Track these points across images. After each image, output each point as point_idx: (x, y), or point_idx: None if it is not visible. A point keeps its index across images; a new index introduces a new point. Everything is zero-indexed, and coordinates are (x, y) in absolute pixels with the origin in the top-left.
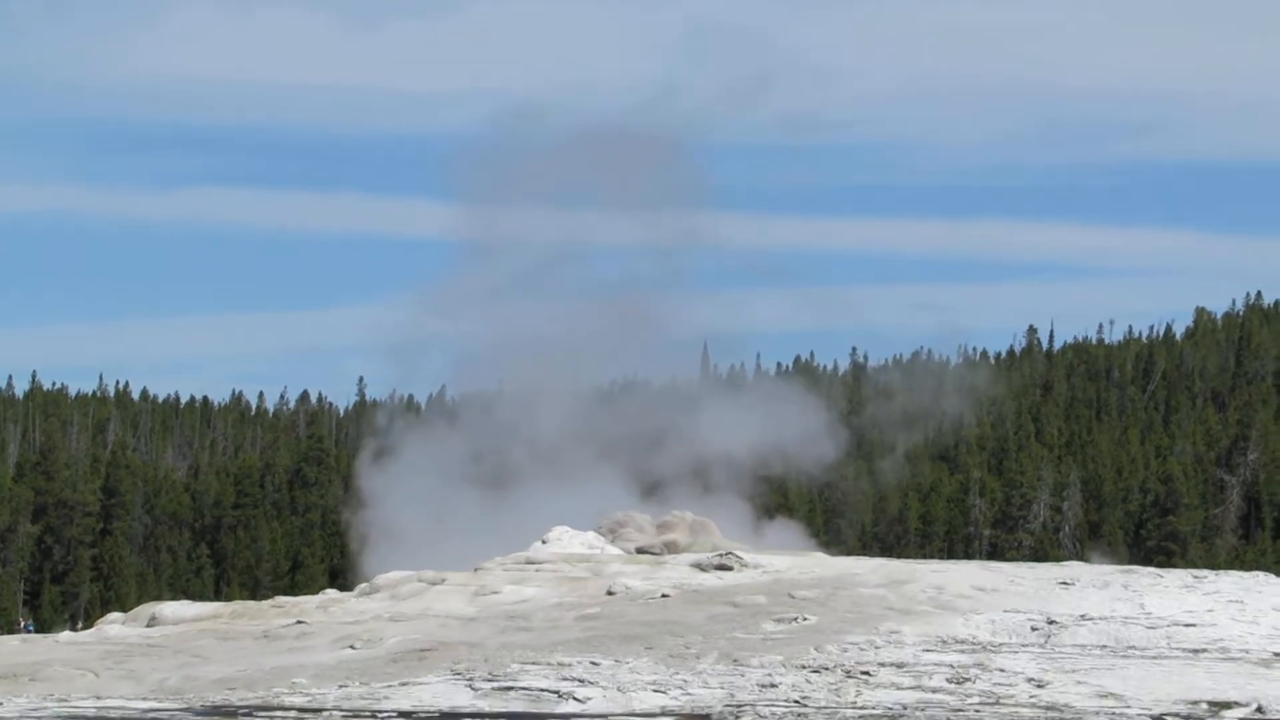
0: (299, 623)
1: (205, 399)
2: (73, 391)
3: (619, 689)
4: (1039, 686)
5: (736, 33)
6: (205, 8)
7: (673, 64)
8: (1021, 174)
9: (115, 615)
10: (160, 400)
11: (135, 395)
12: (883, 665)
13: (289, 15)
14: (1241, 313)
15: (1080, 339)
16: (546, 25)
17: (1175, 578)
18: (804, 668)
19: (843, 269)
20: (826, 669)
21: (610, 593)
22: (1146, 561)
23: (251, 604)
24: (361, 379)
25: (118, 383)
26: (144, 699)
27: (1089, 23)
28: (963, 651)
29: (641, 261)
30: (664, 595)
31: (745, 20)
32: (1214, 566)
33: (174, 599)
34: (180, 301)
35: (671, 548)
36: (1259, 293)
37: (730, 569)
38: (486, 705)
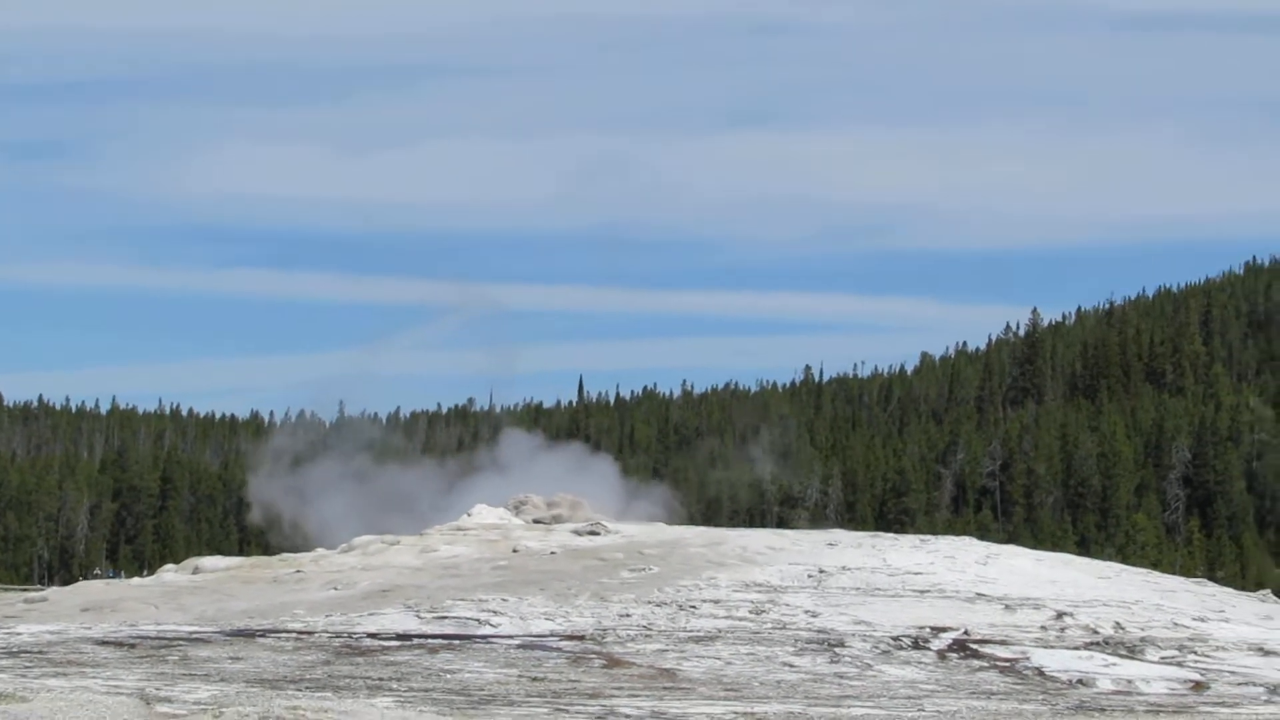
0: (298, 572)
1: (232, 415)
2: (140, 410)
3: (521, 618)
4: (813, 616)
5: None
6: (242, 143)
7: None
8: (801, 261)
9: (170, 566)
10: (201, 417)
11: (184, 413)
12: (705, 601)
13: (300, 147)
14: (953, 356)
15: (841, 374)
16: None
17: (908, 540)
18: (650, 603)
19: (676, 327)
20: (666, 604)
21: (515, 551)
22: (887, 529)
23: (265, 559)
24: (341, 402)
25: (172, 404)
26: (190, 625)
27: (850, 152)
28: (760, 592)
29: None
30: (552, 553)
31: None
32: (934, 533)
33: (211, 555)
34: (214, 348)
35: (558, 519)
36: (964, 342)
37: (598, 534)
38: (429, 629)
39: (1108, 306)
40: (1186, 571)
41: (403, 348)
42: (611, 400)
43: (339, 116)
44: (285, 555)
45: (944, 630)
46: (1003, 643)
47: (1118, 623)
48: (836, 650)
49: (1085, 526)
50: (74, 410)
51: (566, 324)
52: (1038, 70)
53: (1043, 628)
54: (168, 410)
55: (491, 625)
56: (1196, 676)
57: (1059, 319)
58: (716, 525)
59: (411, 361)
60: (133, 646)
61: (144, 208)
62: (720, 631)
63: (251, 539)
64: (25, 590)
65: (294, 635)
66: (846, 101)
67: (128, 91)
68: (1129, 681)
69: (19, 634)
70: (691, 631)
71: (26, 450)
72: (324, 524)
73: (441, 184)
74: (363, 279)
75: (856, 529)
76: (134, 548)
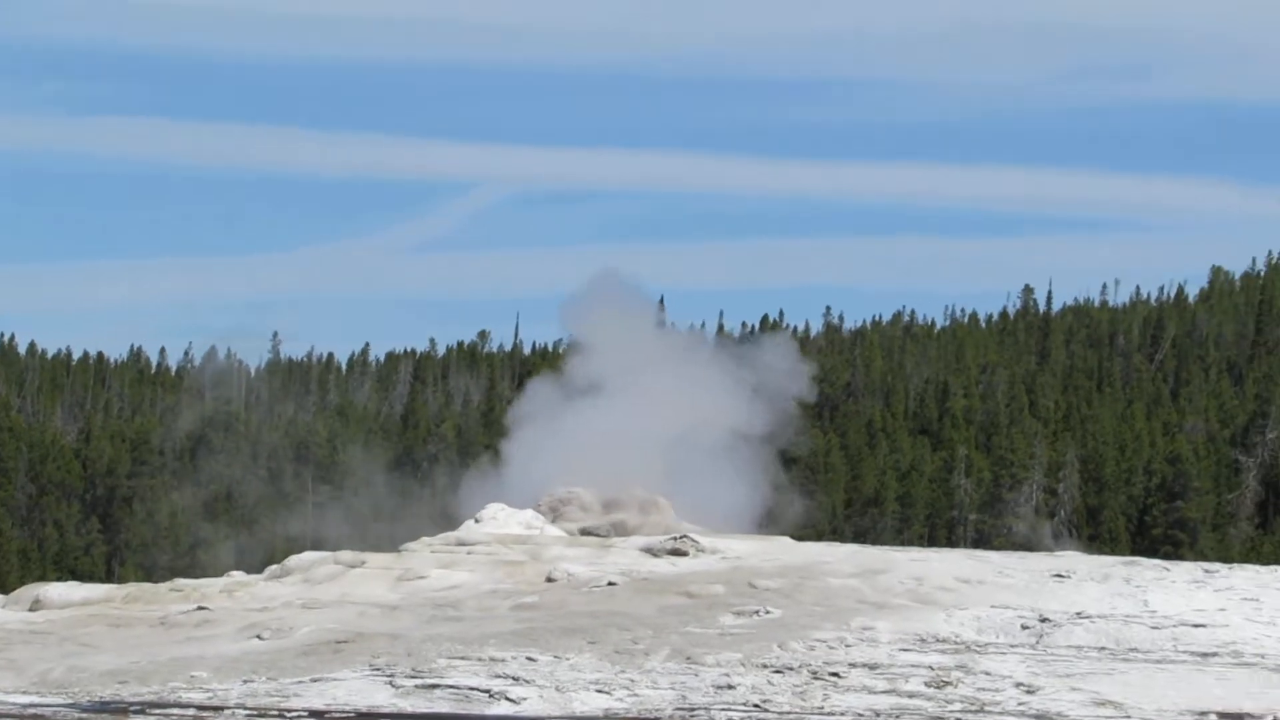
0: (200, 609)
1: (100, 355)
2: None
3: (557, 689)
4: (1029, 692)
5: None
6: None
7: None
8: (1018, 117)
9: None
10: (49, 356)
11: (21, 349)
12: (854, 666)
13: None
14: (1263, 273)
15: (1081, 301)
16: None
17: (1183, 571)
18: (766, 667)
19: (822, 219)
20: (791, 669)
21: (550, 579)
22: (1151, 552)
23: (147, 587)
24: (276, 334)
25: (0, 335)
26: (24, 692)
27: None
28: (944, 652)
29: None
30: (610, 583)
31: None
32: (1227, 559)
33: (60, 579)
34: (72, 245)
35: (619, 529)
36: (1278, 251)
37: (685, 554)
38: (408, 705)
39: None
40: None
41: (376, 249)
42: None
43: None
44: (180, 583)
45: (1241, 718)
46: None
47: None
48: None
49: None
50: None
51: (641, 210)
52: None
53: None
54: None
55: (510, 700)
56: None
57: None
58: (875, 542)
59: (394, 270)
60: None
61: None
62: (879, 716)
63: (128, 555)
64: None
65: (192, 713)
66: None
67: None
68: None
69: None
70: (832, 715)
71: None
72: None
73: None
74: (316, 136)
75: (1101, 551)
76: None
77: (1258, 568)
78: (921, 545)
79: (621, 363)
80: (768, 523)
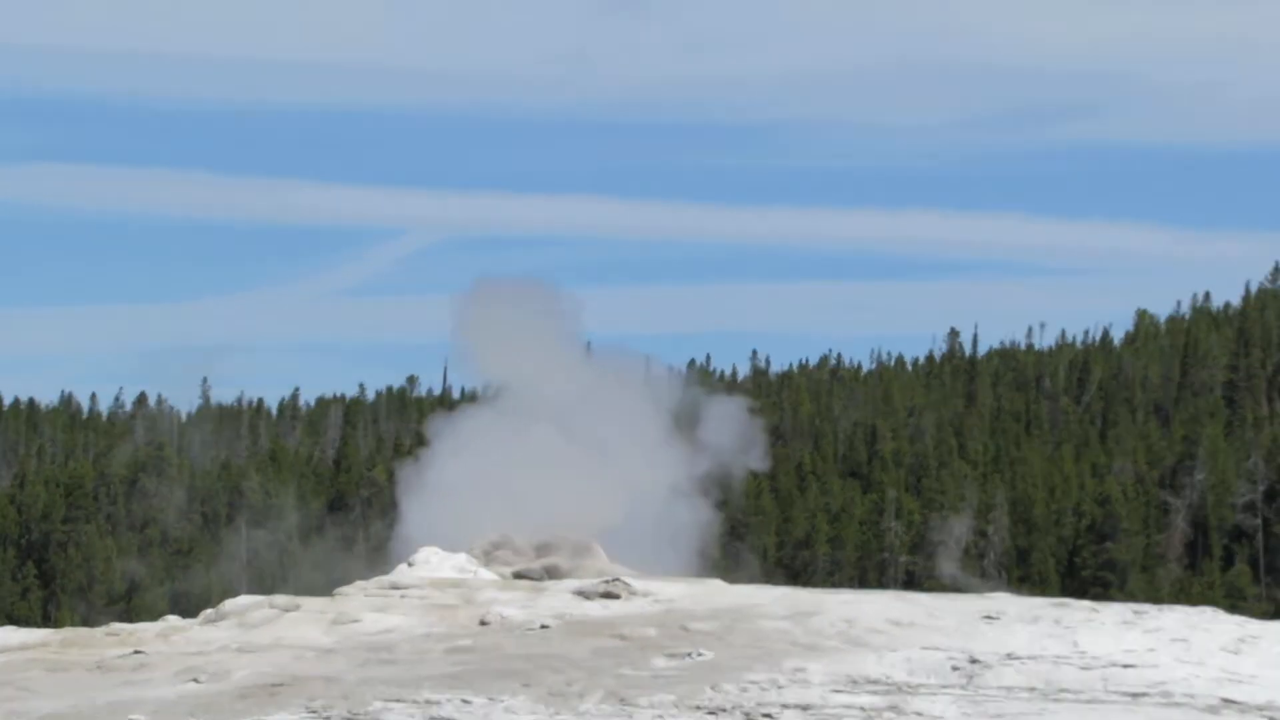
0: (136, 653)
1: (31, 401)
2: None
3: None
4: None
5: None
6: None
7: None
8: (948, 161)
9: None
10: None
11: None
12: (786, 707)
13: None
14: (1188, 316)
15: (1007, 344)
16: None
17: (1113, 613)
18: (699, 709)
19: (747, 263)
20: (724, 710)
21: (484, 622)
22: (1081, 594)
23: (84, 631)
24: (205, 380)
25: None
26: None
27: None
28: (875, 693)
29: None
30: (543, 626)
31: None
32: (1156, 600)
33: None
34: (5, 289)
35: (553, 572)
36: (1207, 294)
37: (618, 597)
38: None
39: None
40: None
41: (304, 295)
42: None
43: None
44: (116, 627)
45: None
46: None
47: None
48: None
49: None
50: None
51: (568, 255)
52: None
53: None
54: None
55: None
56: None
57: None
58: (806, 584)
59: (322, 315)
60: None
61: None
62: None
63: (64, 600)
64: None
65: None
66: None
67: None
68: None
69: None
70: None
71: None
72: None
73: (370, 34)
74: (246, 182)
75: (1031, 592)
76: None
77: (1186, 609)
78: (852, 587)
79: (533, 381)
80: (701, 566)
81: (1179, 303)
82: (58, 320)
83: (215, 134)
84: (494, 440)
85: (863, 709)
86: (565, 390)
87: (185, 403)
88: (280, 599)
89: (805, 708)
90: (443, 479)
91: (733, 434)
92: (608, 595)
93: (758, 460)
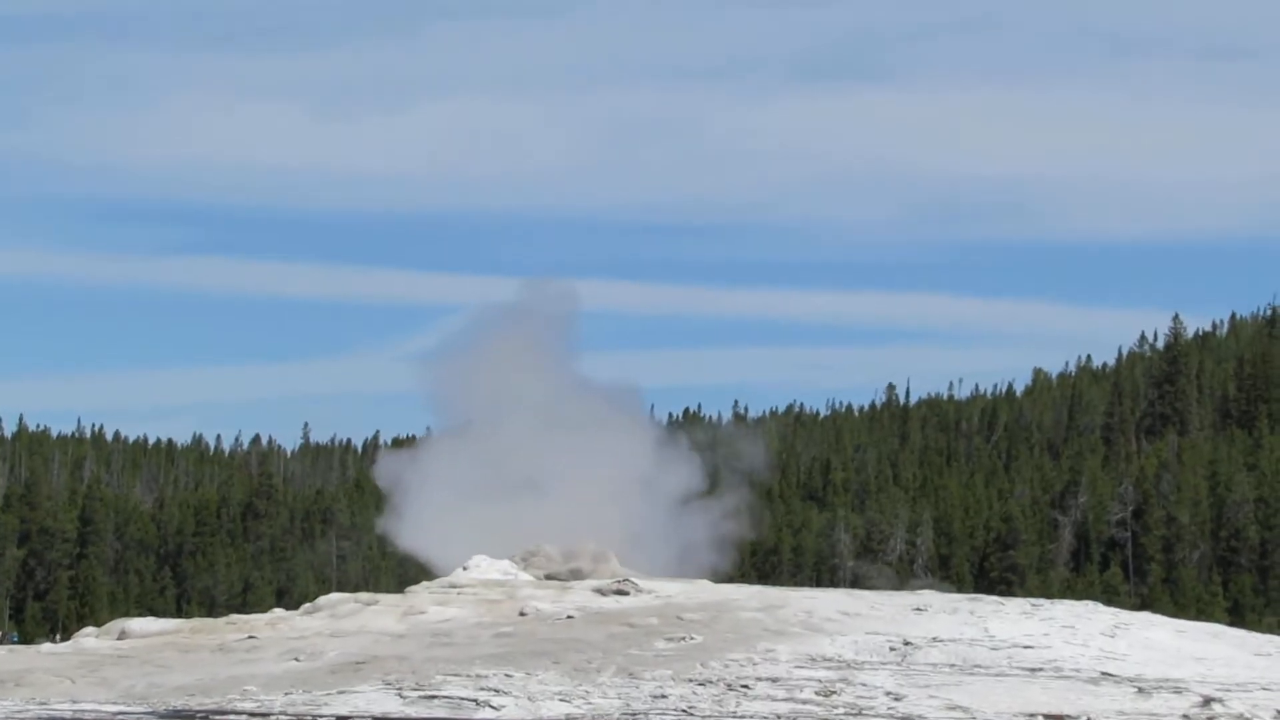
0: (250, 638)
1: (170, 440)
2: (54, 433)
3: (529, 698)
4: (896, 699)
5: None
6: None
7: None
8: (883, 252)
9: (89, 629)
10: (130, 441)
11: (109, 437)
12: (760, 680)
13: (269, 106)
14: (1073, 373)
15: (933, 395)
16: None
17: (1015, 605)
18: (691, 681)
19: (732, 332)
20: (711, 682)
21: (522, 614)
22: (990, 591)
23: (208, 621)
24: (306, 424)
25: (94, 425)
26: (114, 703)
27: (957, 116)
28: (830, 668)
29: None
30: (569, 616)
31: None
32: (1049, 596)
33: (141, 616)
34: (149, 356)
35: (576, 575)
36: (1089, 356)
37: (627, 594)
38: (413, 711)
39: (1268, 313)
40: None
41: (386, 358)
42: None
43: (321, 68)
44: (234, 617)
45: (1061, 718)
46: None
47: None
48: None
49: (1239, 590)
50: None
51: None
52: (1203, 12)
53: (1185, 717)
54: (89, 432)
55: (493, 708)
56: None
57: (1208, 328)
58: (775, 584)
59: (398, 373)
60: None
61: (72, 175)
62: (780, 718)
63: (193, 596)
64: None
65: (245, 717)
66: (949, 49)
67: (63, 31)
68: None
69: None
70: (742, 718)
71: None
72: None
73: (440, 152)
74: (343, 270)
75: (951, 590)
76: (44, 605)
77: (1072, 602)
78: (811, 586)
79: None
80: (692, 569)
81: (1067, 362)
82: (192, 377)
83: (323, 233)
84: (469, 469)
85: (819, 681)
86: (563, 413)
87: (290, 442)
88: (363, 596)
89: (774, 680)
90: (422, 511)
91: (748, 454)
92: (619, 592)
93: (765, 471)
